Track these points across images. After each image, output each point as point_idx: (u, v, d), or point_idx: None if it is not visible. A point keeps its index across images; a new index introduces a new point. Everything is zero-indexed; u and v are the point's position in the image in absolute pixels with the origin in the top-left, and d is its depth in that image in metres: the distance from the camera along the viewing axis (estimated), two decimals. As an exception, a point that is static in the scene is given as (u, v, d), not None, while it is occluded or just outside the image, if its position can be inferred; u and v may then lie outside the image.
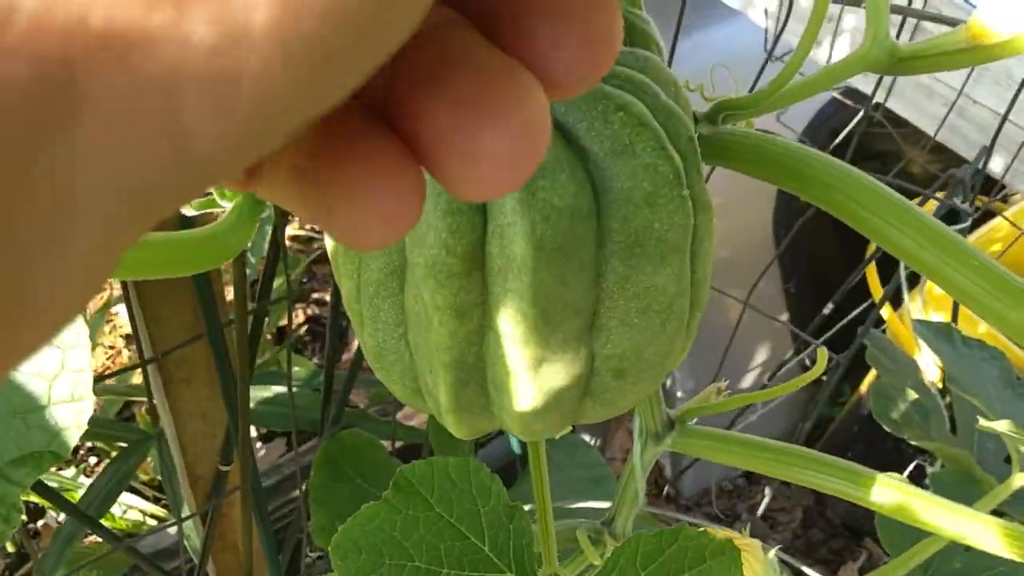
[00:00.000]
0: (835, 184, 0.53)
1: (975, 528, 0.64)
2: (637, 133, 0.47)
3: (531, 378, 0.52)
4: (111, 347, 2.53)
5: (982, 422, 1.00)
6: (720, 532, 0.88)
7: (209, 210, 0.54)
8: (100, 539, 1.66)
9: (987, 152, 1.49)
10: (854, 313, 1.99)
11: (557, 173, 0.46)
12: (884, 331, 2.05)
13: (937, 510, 0.65)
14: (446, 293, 0.48)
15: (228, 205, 0.53)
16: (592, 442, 2.16)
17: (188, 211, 0.53)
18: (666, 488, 2.48)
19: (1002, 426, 0.92)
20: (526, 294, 0.47)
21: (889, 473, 1.12)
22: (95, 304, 2.18)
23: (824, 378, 2.03)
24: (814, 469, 0.67)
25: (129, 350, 2.49)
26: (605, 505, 0.84)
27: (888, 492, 0.66)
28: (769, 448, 0.69)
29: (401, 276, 0.51)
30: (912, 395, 1.35)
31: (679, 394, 2.28)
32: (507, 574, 0.61)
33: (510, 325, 0.49)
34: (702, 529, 0.90)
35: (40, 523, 2.14)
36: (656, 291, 0.50)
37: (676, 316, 0.52)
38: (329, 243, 0.57)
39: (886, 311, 2.09)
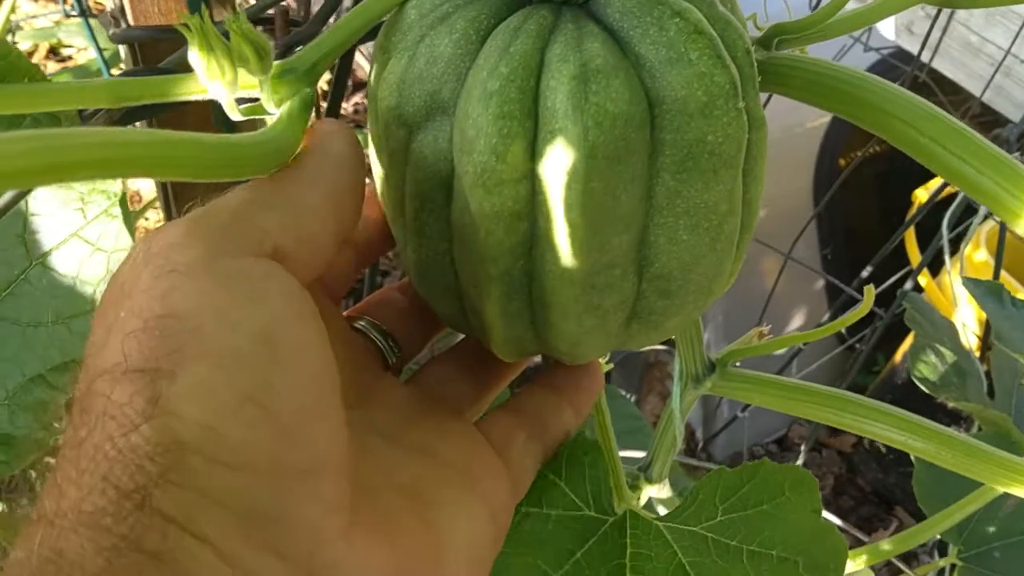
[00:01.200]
0: (890, 109, 0.51)
1: (1015, 476, 0.62)
2: (694, 40, 0.46)
3: (578, 294, 0.50)
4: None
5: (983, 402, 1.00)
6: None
7: (257, 116, 0.53)
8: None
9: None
10: (892, 280, 1.97)
11: (611, 78, 0.45)
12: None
13: (979, 457, 0.64)
14: (495, 201, 0.47)
15: (276, 111, 0.52)
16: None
17: (236, 116, 0.52)
18: (697, 451, 2.49)
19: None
20: (576, 203, 0.46)
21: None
22: (132, 206, 2.20)
23: (859, 345, 2.03)
24: (852, 411, 0.66)
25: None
26: (640, 454, 0.84)
27: (929, 435, 0.65)
28: (808, 391, 0.69)
29: (448, 187, 0.50)
30: (950, 357, 1.33)
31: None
32: (585, 510, 0.60)
33: (559, 237, 0.48)
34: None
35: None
36: (707, 208, 0.49)
37: (726, 236, 0.51)
38: (372, 155, 0.56)
39: (924, 278, 2.08)
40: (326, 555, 0.39)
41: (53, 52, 3.07)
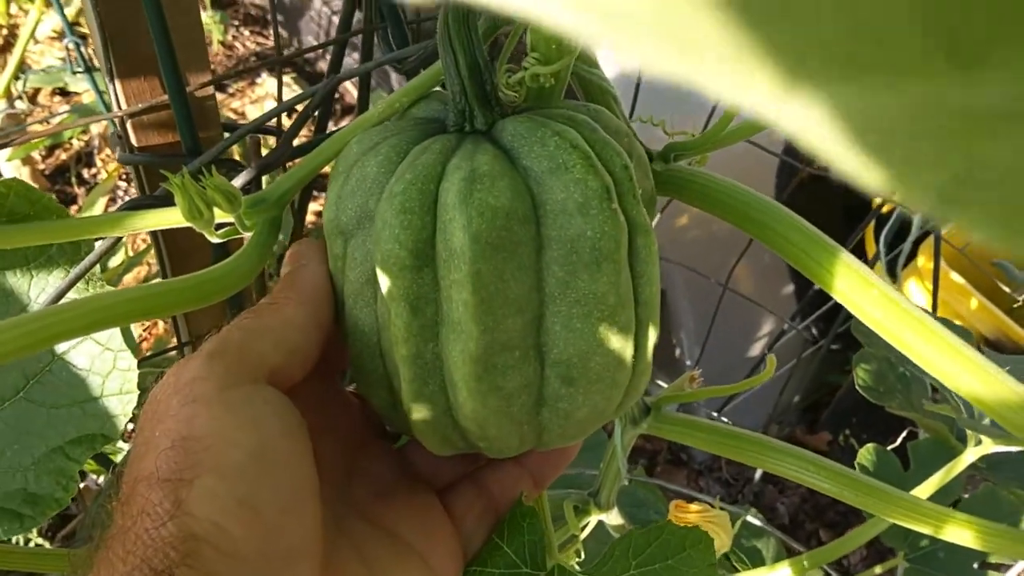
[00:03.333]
0: (767, 222, 0.61)
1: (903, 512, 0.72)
2: (569, 153, 0.55)
3: (480, 372, 0.56)
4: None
5: (927, 405, 1.08)
6: (693, 506, 0.98)
7: (234, 237, 0.64)
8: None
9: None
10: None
11: (496, 180, 0.54)
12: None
13: (875, 495, 0.73)
14: (400, 284, 0.55)
15: (248, 235, 0.63)
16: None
17: (215, 240, 0.63)
18: (678, 453, 2.56)
19: (945, 409, 1.00)
20: (466, 283, 0.53)
21: (865, 447, 1.20)
22: (134, 250, 2.31)
23: (819, 348, 2.11)
24: (769, 455, 0.75)
25: (165, 321, 2.60)
26: (596, 471, 0.93)
27: (834, 476, 0.74)
28: (734, 435, 0.77)
29: (374, 283, 0.58)
30: (895, 365, 1.40)
31: (687, 362, 2.35)
32: (522, 568, 0.68)
33: (456, 315, 0.55)
34: (692, 506, 0.99)
35: (81, 485, 2.22)
36: (596, 299, 0.56)
37: (619, 326, 0.57)
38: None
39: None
40: None
41: (60, 90, 3.15)
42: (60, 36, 3.29)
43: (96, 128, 3.02)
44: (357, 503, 0.63)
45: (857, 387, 1.37)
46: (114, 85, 0.84)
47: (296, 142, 0.78)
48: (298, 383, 0.58)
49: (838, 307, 2.07)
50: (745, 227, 0.62)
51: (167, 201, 0.63)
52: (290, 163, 0.73)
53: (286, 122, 0.89)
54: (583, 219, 0.54)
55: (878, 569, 1.33)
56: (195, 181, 0.59)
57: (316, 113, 0.83)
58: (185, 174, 0.58)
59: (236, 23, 3.84)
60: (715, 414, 2.23)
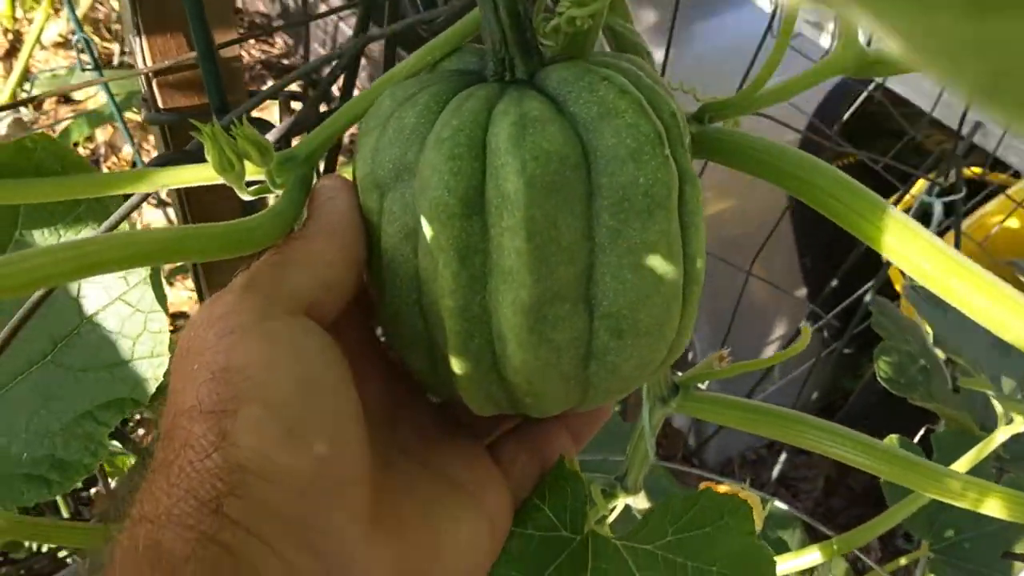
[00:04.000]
0: (801, 174, 0.59)
1: (950, 487, 0.70)
2: (619, 97, 0.54)
3: (531, 324, 0.55)
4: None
5: (963, 380, 1.07)
6: (723, 486, 0.96)
7: (265, 195, 0.63)
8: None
9: (975, 125, 1.55)
10: (867, 286, 2.05)
11: (547, 125, 0.53)
12: (899, 304, 2.11)
13: (913, 470, 0.71)
14: (448, 234, 0.53)
15: (279, 192, 0.62)
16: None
17: (246, 197, 0.62)
18: (690, 458, 2.55)
19: (981, 383, 0.99)
20: (520, 230, 0.52)
21: (886, 439, 1.19)
22: (165, 269, 2.31)
23: (834, 350, 2.10)
24: (804, 431, 0.73)
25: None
26: (621, 457, 0.92)
27: (871, 452, 0.72)
28: (765, 411, 0.76)
29: (415, 237, 0.56)
30: (916, 358, 1.40)
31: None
32: (561, 531, 0.67)
33: (508, 263, 0.53)
34: (720, 487, 0.98)
35: (93, 490, 2.21)
36: (646, 249, 0.54)
37: (669, 277, 0.56)
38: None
39: (899, 282, 2.15)
40: (349, 553, 0.50)
41: (65, 97, 3.15)
42: (65, 43, 3.30)
43: (101, 135, 3.02)
44: (403, 445, 0.62)
45: (879, 379, 1.37)
46: (140, 41, 0.83)
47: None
48: (334, 327, 0.56)
49: (852, 310, 2.08)
50: (786, 184, 0.61)
51: (195, 159, 0.62)
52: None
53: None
54: (635, 166, 0.53)
55: (903, 560, 1.32)
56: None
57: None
58: (216, 124, 0.57)
59: (241, 31, 3.84)
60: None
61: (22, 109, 2.61)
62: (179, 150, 0.88)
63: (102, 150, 3.06)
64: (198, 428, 0.48)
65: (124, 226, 0.75)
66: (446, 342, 0.57)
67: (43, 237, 0.80)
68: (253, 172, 0.60)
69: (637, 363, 0.59)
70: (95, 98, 3.07)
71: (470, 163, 0.53)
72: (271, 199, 0.63)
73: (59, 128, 2.85)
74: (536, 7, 0.60)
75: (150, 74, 0.84)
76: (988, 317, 0.52)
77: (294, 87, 0.83)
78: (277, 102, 0.81)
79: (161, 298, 0.81)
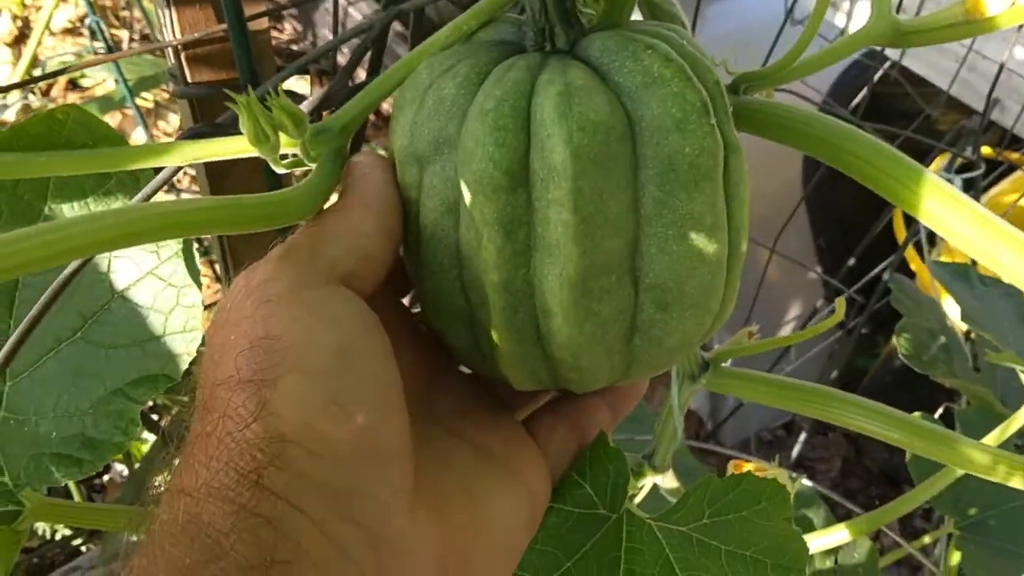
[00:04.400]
0: (840, 143, 0.58)
1: (981, 459, 0.69)
2: (665, 66, 0.53)
3: (577, 297, 0.54)
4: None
5: (990, 355, 1.06)
6: (750, 464, 0.96)
7: (297, 168, 0.62)
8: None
9: (992, 102, 1.55)
10: (884, 264, 2.04)
11: (592, 95, 0.52)
12: (915, 282, 2.10)
13: (944, 443, 0.70)
14: (493, 207, 0.53)
15: (312, 165, 0.61)
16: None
17: (280, 170, 0.61)
18: (706, 439, 2.54)
19: (1009, 358, 0.98)
20: (567, 202, 0.51)
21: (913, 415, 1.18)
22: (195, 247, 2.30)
23: (852, 329, 2.09)
24: (834, 405, 0.73)
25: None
26: (646, 438, 0.91)
27: (902, 426, 0.72)
28: (794, 387, 0.75)
29: (456, 212, 0.56)
30: (936, 335, 1.40)
31: (715, 345, 2.33)
32: (599, 509, 0.67)
33: (554, 236, 0.53)
34: (746, 465, 0.97)
35: (106, 478, 2.21)
36: (693, 220, 0.54)
37: (715, 248, 0.55)
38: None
39: (914, 263, 2.15)
40: (393, 526, 0.49)
41: (73, 84, 3.15)
42: (72, 30, 3.29)
43: (111, 121, 3.01)
44: (440, 418, 0.61)
45: (901, 356, 1.37)
46: (170, 12, 0.82)
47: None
48: (370, 297, 0.56)
49: (867, 289, 2.07)
50: (821, 152, 0.60)
51: (226, 132, 0.61)
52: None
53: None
54: (681, 135, 0.52)
55: (927, 539, 1.32)
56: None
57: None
58: (251, 94, 0.56)
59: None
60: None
61: (30, 95, 2.61)
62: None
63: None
64: (237, 398, 0.47)
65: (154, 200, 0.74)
66: (489, 317, 0.57)
67: (72, 211, 0.79)
68: (287, 145, 0.59)
69: (681, 336, 0.58)
70: (103, 84, 3.07)
71: (515, 134, 0.52)
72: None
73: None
74: (573, -24, 0.59)
75: (179, 47, 0.83)
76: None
77: (322, 63, 0.82)
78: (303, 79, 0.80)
79: (193, 271, 0.80)
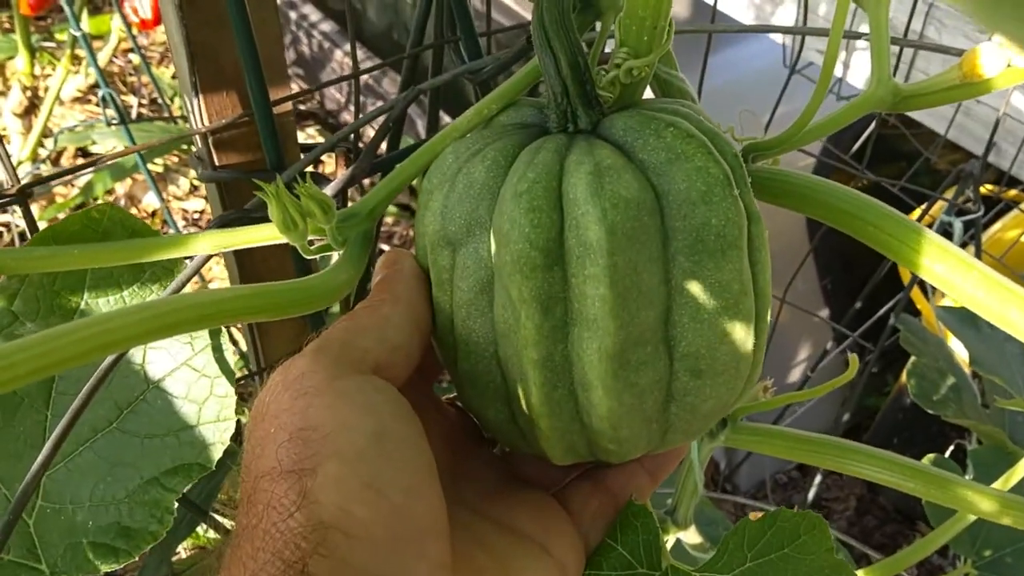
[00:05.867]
0: (856, 212, 0.60)
1: (993, 505, 0.71)
2: (687, 142, 0.55)
3: (615, 369, 0.56)
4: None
5: (999, 400, 1.08)
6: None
7: (326, 252, 0.64)
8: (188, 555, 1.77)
9: (989, 145, 1.57)
10: (890, 304, 2.06)
11: (621, 173, 0.54)
12: (920, 320, 2.11)
13: (956, 491, 0.72)
14: (531, 286, 0.54)
15: (340, 251, 0.63)
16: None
17: (309, 256, 0.63)
18: (722, 483, 2.55)
19: (1018, 404, 0.99)
20: (603, 277, 0.53)
21: (922, 460, 1.19)
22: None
23: (862, 370, 2.10)
24: (848, 457, 0.74)
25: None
26: (668, 490, 0.92)
27: (914, 475, 0.73)
28: (810, 441, 0.77)
29: (490, 291, 0.58)
30: (946, 375, 1.40)
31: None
32: (638, 568, 0.67)
33: (591, 311, 0.54)
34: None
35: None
36: (722, 287, 0.56)
37: (743, 315, 0.57)
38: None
39: (921, 303, 2.16)
40: None
41: (83, 151, 3.18)
42: (82, 98, 3.33)
43: (121, 187, 3.04)
44: (467, 502, 0.63)
45: (912, 397, 1.38)
46: (197, 101, 0.85)
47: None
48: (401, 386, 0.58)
49: (879, 328, 2.08)
50: (832, 219, 0.62)
51: (255, 218, 0.64)
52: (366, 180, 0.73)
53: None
54: (707, 207, 0.55)
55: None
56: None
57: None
58: (280, 183, 0.58)
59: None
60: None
61: (41, 165, 2.64)
62: (236, 207, 0.90)
63: (122, 202, 3.09)
64: (279, 488, 0.49)
65: (188, 288, 0.77)
66: (528, 394, 0.58)
67: (108, 304, 0.82)
68: (314, 230, 0.61)
69: (715, 402, 0.60)
70: (113, 150, 3.10)
71: (549, 215, 0.54)
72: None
73: (79, 182, 2.88)
74: (591, 57, 0.61)
75: (207, 133, 0.86)
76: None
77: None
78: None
79: (223, 363, 0.83)
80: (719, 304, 0.56)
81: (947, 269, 0.57)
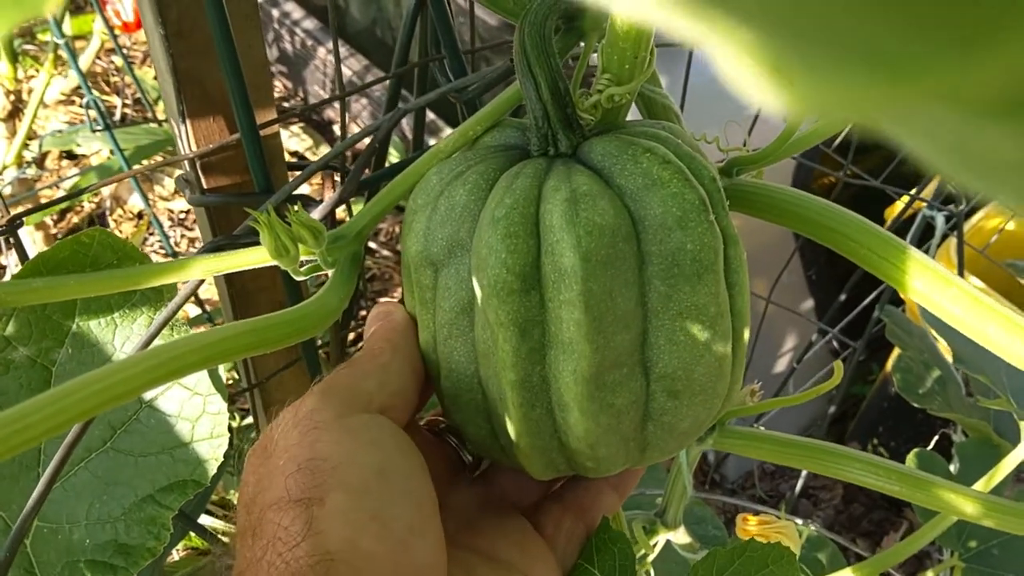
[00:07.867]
0: (837, 227, 0.62)
1: (979, 508, 0.72)
2: (664, 168, 0.56)
3: (592, 391, 0.57)
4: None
5: (982, 400, 1.09)
6: (758, 518, 0.98)
7: (317, 274, 0.65)
8: (181, 557, 1.78)
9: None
10: (873, 294, 2.07)
11: (597, 200, 0.55)
12: (904, 309, 2.13)
13: (940, 494, 0.73)
14: (508, 309, 0.56)
15: (330, 272, 0.64)
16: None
17: (299, 278, 0.64)
18: (711, 474, 2.57)
19: (1003, 403, 1.01)
20: (578, 303, 0.54)
21: (908, 454, 1.20)
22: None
23: (847, 358, 2.12)
24: (834, 461, 0.75)
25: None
26: (657, 491, 0.93)
27: (900, 478, 0.74)
28: (797, 444, 0.78)
29: (471, 312, 0.59)
30: (931, 368, 1.42)
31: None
32: None
33: (567, 335, 0.55)
34: (755, 518, 1.00)
35: None
36: (698, 310, 0.57)
37: (720, 336, 0.58)
38: (408, 299, 0.66)
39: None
40: None
41: (68, 154, 3.17)
42: (67, 101, 3.32)
43: (106, 189, 3.04)
44: (451, 536, 0.65)
45: (897, 390, 1.39)
46: (185, 127, 0.86)
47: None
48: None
49: (864, 318, 2.10)
50: (815, 234, 0.63)
51: (245, 242, 0.65)
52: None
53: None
54: (682, 232, 0.55)
55: (930, 574, 1.33)
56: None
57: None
58: (271, 210, 0.59)
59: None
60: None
61: (26, 168, 2.63)
62: (224, 229, 0.90)
63: (108, 203, 3.08)
64: (286, 518, 0.50)
65: (179, 315, 0.78)
66: (507, 413, 0.59)
67: (99, 327, 0.82)
68: (304, 253, 0.62)
69: (692, 421, 0.61)
70: (98, 153, 3.10)
71: (525, 240, 0.55)
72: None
73: (64, 185, 2.87)
74: (573, 82, 0.62)
75: (195, 158, 0.87)
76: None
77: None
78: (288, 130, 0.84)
79: (216, 380, 0.84)
80: (695, 327, 0.57)
81: (926, 285, 0.58)
